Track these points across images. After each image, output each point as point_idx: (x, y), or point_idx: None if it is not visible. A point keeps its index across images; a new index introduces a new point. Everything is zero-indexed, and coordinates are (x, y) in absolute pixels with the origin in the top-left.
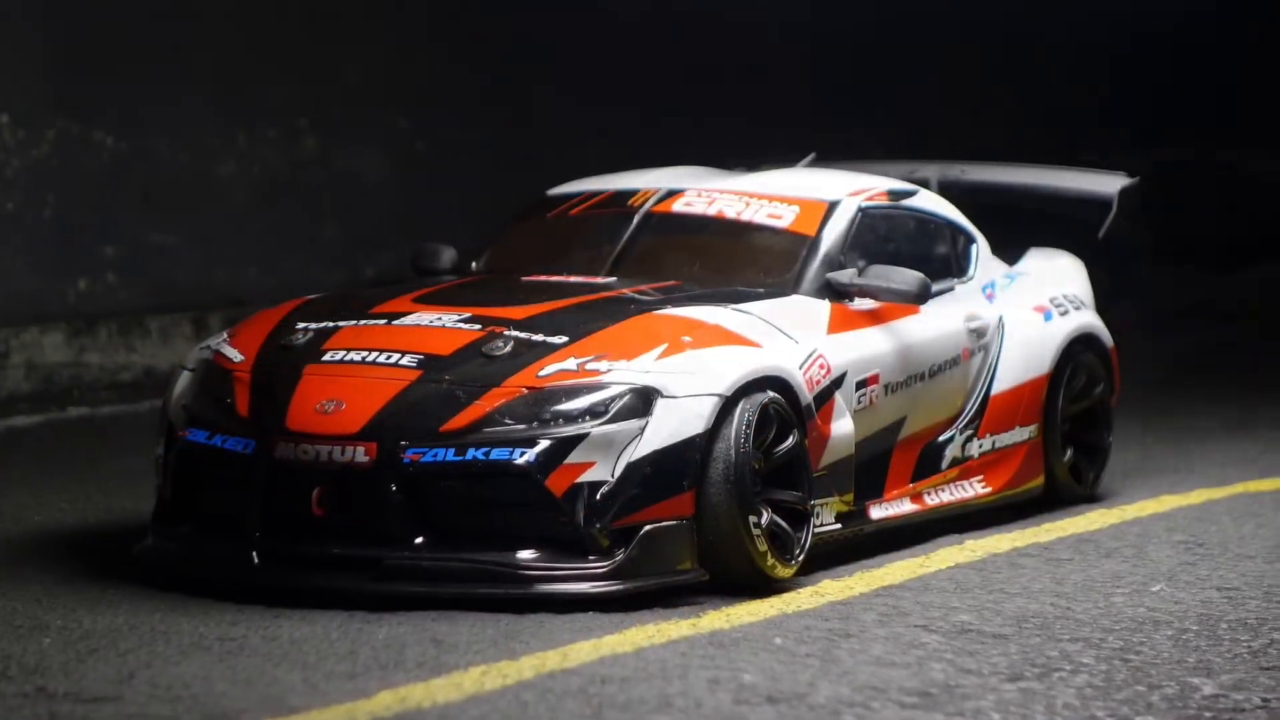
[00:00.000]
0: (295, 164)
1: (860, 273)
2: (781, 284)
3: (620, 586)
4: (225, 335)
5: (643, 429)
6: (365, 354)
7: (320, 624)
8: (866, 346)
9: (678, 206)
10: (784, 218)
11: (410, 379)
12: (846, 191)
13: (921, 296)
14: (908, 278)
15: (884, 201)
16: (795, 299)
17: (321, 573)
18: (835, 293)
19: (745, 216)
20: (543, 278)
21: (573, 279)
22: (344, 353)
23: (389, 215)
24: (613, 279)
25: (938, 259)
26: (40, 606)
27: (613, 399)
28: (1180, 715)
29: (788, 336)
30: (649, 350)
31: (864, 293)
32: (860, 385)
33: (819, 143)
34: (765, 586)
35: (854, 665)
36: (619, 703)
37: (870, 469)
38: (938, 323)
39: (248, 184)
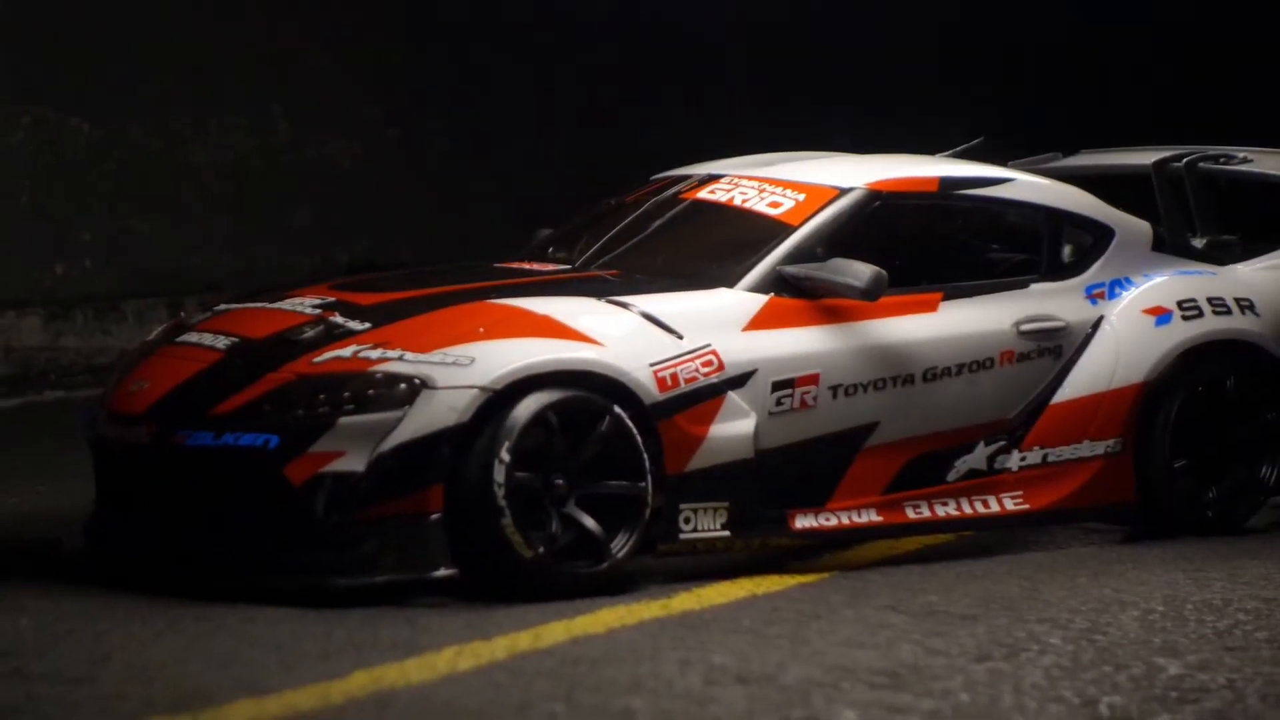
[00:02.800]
0: (267, 151)
1: (819, 266)
2: (725, 275)
3: (352, 581)
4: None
5: (399, 420)
6: (202, 336)
7: (295, 605)
8: (799, 344)
9: (703, 194)
10: (781, 206)
11: (210, 361)
12: (869, 180)
13: (872, 293)
14: (857, 272)
15: (927, 191)
16: (718, 292)
17: (128, 553)
18: (790, 286)
19: (748, 205)
20: (510, 264)
21: (528, 266)
22: (197, 335)
23: (361, 201)
24: (566, 267)
25: (1013, 254)
26: (16, 588)
27: (371, 388)
28: (1146, 695)
29: (669, 331)
30: (442, 341)
31: (809, 286)
32: (781, 385)
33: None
34: (541, 589)
35: (823, 646)
36: (590, 683)
37: (806, 475)
38: (961, 322)
39: (221, 171)
